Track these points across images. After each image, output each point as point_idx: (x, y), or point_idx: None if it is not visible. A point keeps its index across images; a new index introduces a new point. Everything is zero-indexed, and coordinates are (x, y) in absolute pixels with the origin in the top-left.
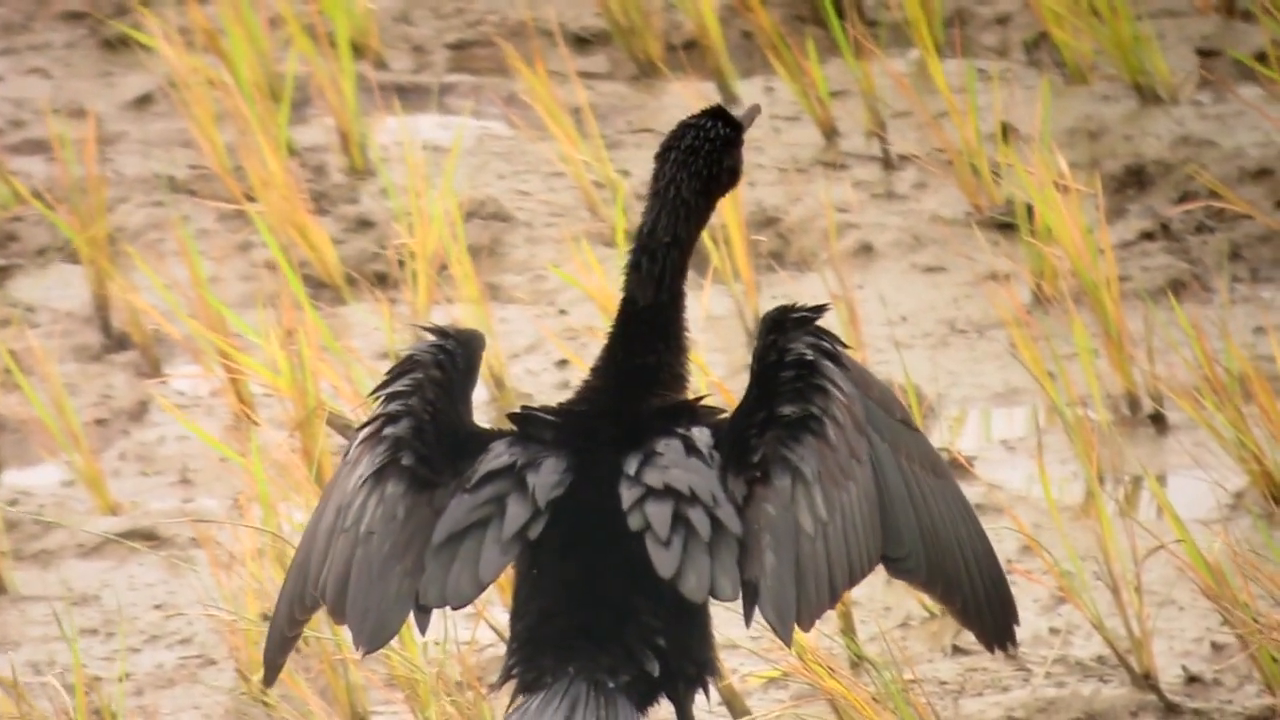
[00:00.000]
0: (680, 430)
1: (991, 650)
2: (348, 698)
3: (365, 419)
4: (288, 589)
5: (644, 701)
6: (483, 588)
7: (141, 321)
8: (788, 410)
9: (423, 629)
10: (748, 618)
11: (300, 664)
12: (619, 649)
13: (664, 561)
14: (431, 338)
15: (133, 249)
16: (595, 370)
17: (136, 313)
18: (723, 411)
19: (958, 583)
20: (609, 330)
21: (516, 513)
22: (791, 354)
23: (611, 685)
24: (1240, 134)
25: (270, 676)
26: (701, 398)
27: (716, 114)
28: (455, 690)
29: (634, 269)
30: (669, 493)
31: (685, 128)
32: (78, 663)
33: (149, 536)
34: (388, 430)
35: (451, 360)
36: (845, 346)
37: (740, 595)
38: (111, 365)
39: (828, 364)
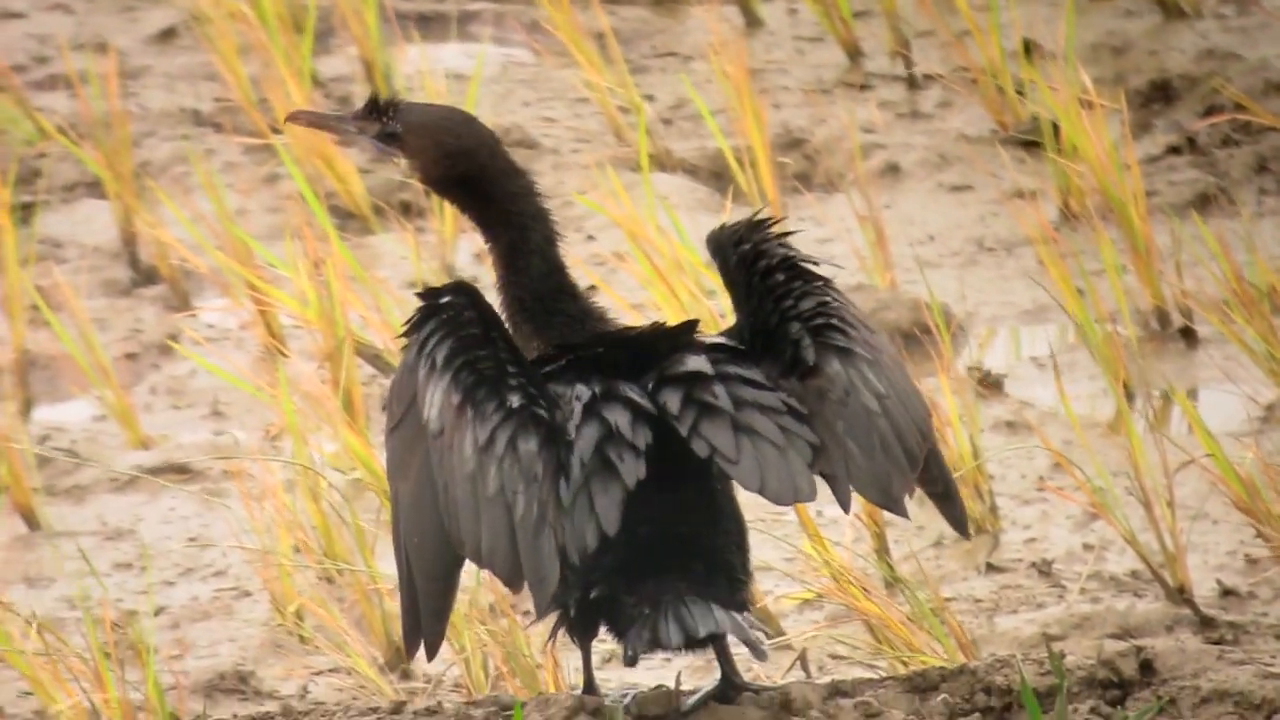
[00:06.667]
0: (699, 348)
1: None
2: (383, 627)
3: (444, 380)
4: (423, 563)
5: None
6: (608, 537)
7: (169, 256)
8: (805, 305)
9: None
10: (846, 506)
11: (334, 594)
12: (696, 572)
13: (744, 475)
14: (444, 296)
15: (158, 184)
16: (557, 332)
17: (164, 247)
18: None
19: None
20: (514, 316)
21: (628, 467)
22: (773, 256)
23: (698, 601)
24: (1265, 46)
25: (433, 650)
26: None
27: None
28: (489, 618)
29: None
30: (722, 410)
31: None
32: (87, 609)
33: (181, 470)
34: (486, 390)
35: (475, 307)
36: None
37: (815, 493)
38: (140, 300)
39: (805, 263)
